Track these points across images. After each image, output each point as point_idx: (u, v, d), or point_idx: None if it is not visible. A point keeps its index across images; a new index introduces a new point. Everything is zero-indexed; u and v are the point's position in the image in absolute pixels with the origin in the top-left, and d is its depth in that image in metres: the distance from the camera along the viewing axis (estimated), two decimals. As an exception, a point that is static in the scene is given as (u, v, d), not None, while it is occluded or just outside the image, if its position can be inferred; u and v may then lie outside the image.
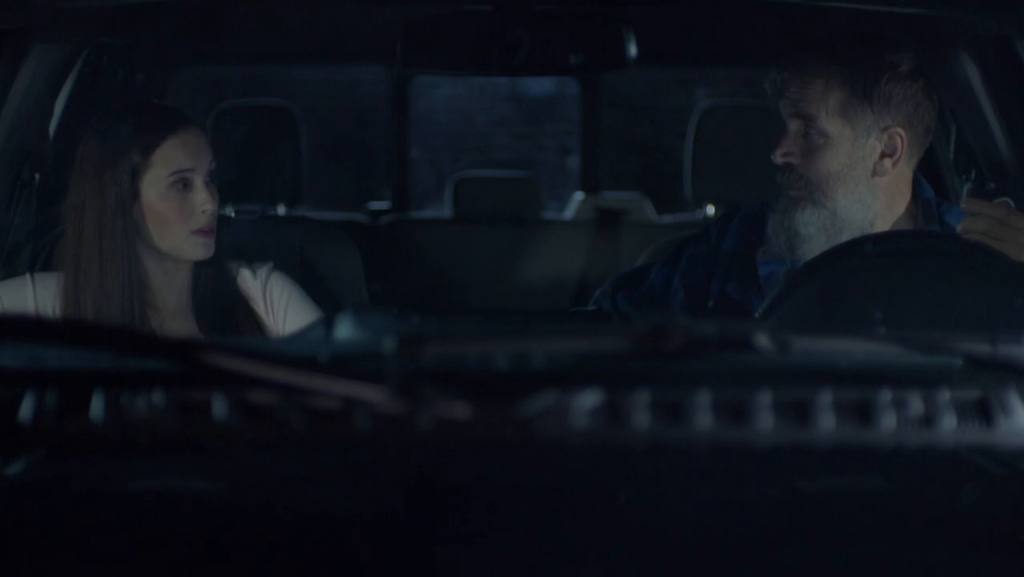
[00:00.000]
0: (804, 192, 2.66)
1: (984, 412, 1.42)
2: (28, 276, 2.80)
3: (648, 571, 1.28)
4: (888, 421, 1.40)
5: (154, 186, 2.69)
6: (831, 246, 2.56)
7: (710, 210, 4.39)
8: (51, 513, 1.42)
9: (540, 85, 10.21)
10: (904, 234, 2.65)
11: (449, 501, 1.43)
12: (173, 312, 2.77)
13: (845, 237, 2.63)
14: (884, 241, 2.54)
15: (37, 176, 3.08)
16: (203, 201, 2.69)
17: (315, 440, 1.38)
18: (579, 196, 6.13)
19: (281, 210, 4.26)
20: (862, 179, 2.65)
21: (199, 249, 2.72)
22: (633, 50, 2.94)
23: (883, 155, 2.65)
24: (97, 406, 1.38)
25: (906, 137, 2.65)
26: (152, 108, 2.92)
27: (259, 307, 2.82)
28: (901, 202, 2.70)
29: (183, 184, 2.69)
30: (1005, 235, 2.41)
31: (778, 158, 2.66)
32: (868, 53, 2.66)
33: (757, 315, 2.34)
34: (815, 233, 2.65)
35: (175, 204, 2.69)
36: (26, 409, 1.39)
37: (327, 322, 1.56)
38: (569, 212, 6.06)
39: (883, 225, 2.67)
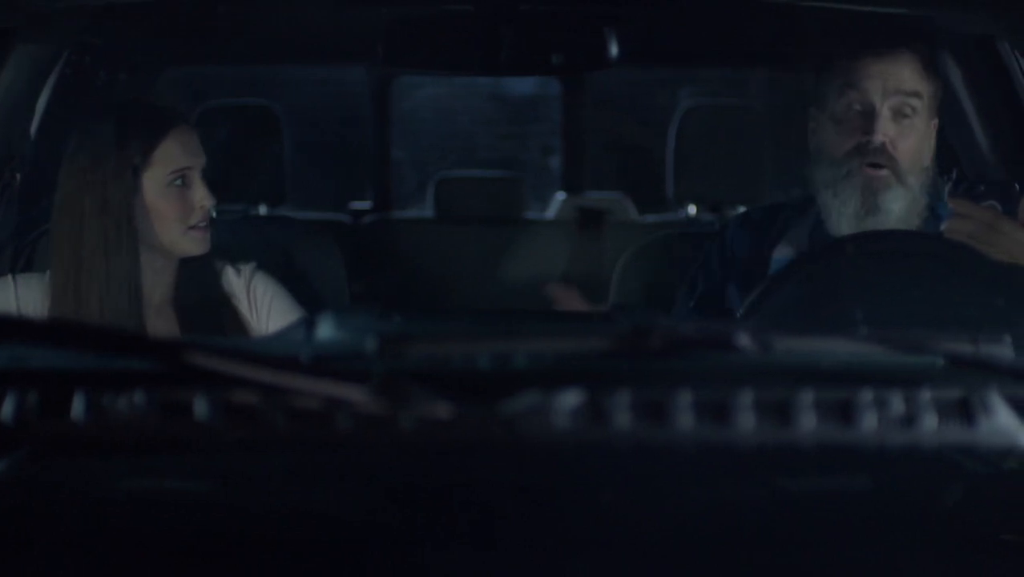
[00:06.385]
0: (890, 174, 2.61)
1: (966, 412, 1.43)
2: (10, 277, 2.80)
3: (631, 570, 1.28)
4: (870, 421, 1.40)
5: (154, 184, 2.72)
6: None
7: (691, 210, 4.39)
8: (31, 514, 1.41)
9: (524, 84, 10.18)
10: (886, 234, 2.65)
11: (431, 501, 1.43)
12: (157, 309, 2.77)
13: (917, 223, 2.62)
14: (866, 241, 2.54)
15: (18, 176, 3.07)
16: (201, 197, 2.74)
17: (297, 440, 1.38)
18: (561, 196, 6.12)
19: (263, 210, 4.24)
20: (929, 161, 2.65)
21: (196, 245, 2.76)
22: (615, 50, 2.94)
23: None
24: (78, 406, 1.38)
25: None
26: (147, 107, 2.91)
27: (243, 306, 2.82)
28: None
29: (182, 181, 2.73)
30: (992, 239, 2.40)
31: (877, 139, 2.59)
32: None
33: (739, 314, 2.34)
34: (899, 214, 2.61)
35: (174, 201, 2.72)
36: (7, 409, 1.38)
37: (309, 322, 1.56)
38: (551, 212, 6.05)
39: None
